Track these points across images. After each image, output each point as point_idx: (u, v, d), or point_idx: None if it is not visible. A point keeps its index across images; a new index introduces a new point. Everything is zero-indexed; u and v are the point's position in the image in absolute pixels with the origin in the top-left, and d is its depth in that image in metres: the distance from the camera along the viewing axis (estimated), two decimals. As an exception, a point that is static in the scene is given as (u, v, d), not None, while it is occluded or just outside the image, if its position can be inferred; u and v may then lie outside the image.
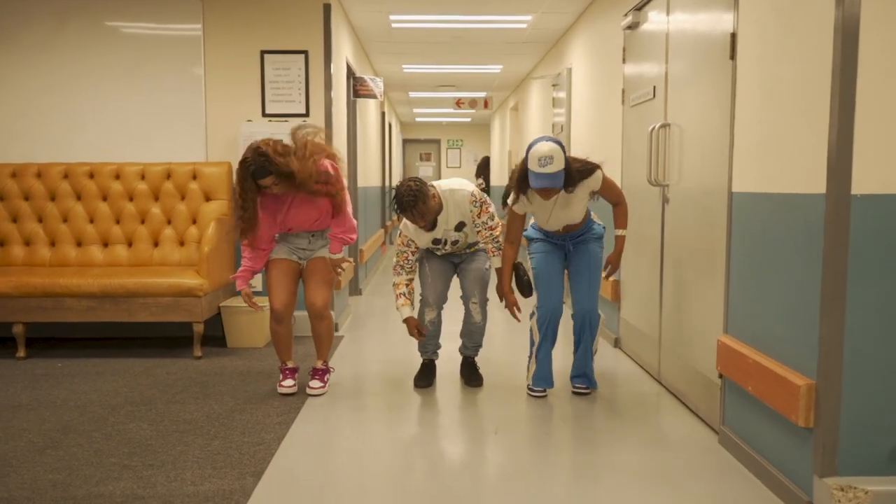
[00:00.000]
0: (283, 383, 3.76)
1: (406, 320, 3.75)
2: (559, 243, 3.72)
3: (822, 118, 2.28)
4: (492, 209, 3.72)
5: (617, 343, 4.77)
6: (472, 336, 3.94)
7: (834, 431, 2.29)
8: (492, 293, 3.82)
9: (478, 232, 3.74)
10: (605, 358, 4.39)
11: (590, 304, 3.67)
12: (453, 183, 3.71)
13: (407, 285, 3.76)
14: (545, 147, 3.32)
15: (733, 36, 2.97)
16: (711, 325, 3.20)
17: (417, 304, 3.88)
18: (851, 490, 2.25)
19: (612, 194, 3.62)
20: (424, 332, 3.81)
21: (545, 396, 3.69)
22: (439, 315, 3.91)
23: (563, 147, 3.37)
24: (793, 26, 2.49)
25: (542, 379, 3.71)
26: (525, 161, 3.39)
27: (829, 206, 2.26)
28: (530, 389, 3.72)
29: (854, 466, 2.30)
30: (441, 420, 3.44)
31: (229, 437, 3.09)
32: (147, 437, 3.09)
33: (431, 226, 3.67)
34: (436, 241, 3.77)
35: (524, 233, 3.79)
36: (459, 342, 4.02)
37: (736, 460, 2.88)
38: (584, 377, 3.77)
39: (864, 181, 2.22)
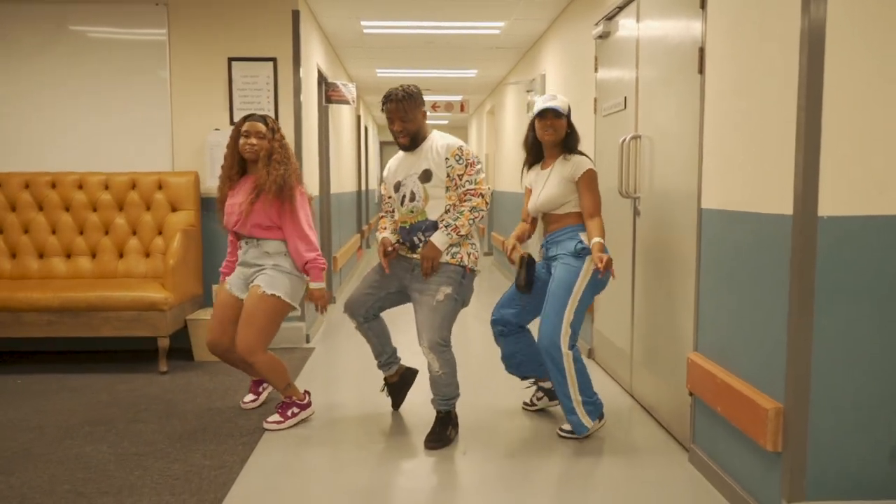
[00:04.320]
0: (244, 399, 3.74)
1: (381, 240, 3.40)
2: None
3: (788, 137, 2.25)
4: (479, 169, 3.26)
5: (591, 354, 4.73)
6: (436, 386, 3.27)
7: (802, 456, 2.26)
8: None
9: (455, 195, 3.25)
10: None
11: (545, 335, 3.19)
12: (447, 136, 3.36)
13: (391, 222, 3.45)
14: (549, 93, 3.66)
15: (701, 50, 2.93)
16: (682, 341, 3.17)
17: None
18: (819, 515, 2.22)
19: (589, 197, 3.26)
20: (389, 253, 3.34)
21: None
22: (363, 326, 3.44)
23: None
24: (759, 41, 2.46)
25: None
26: (532, 119, 3.44)
27: (795, 228, 2.22)
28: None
29: (822, 491, 2.27)
30: (411, 439, 3.36)
31: (190, 459, 3.00)
32: (105, 460, 2.99)
33: (412, 146, 3.30)
34: (398, 187, 3.34)
35: None
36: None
37: (706, 480, 2.84)
38: (567, 421, 3.31)
39: (831, 202, 2.19)
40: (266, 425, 3.39)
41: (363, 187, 11.34)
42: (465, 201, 3.25)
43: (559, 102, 3.36)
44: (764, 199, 2.42)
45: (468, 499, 2.77)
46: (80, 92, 4.91)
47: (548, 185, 3.38)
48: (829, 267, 2.20)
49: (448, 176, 3.25)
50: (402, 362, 3.65)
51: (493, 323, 3.54)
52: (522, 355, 3.56)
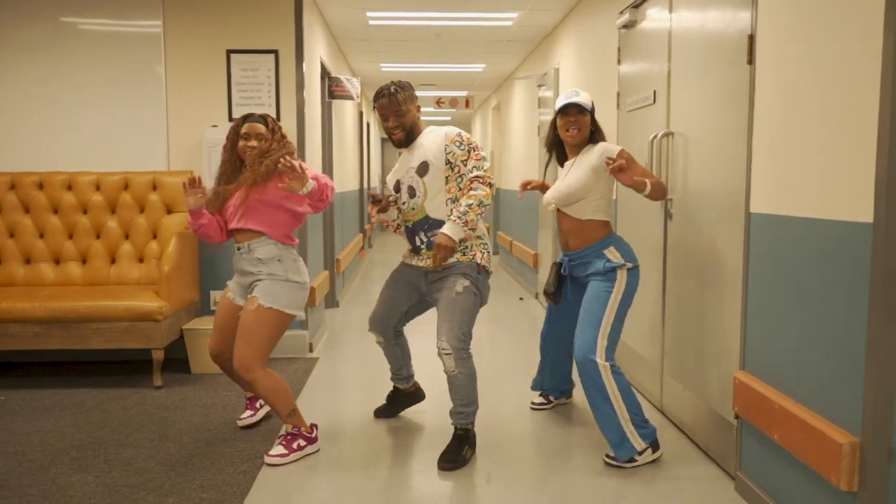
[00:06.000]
0: (240, 416, 3.48)
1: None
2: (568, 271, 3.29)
3: (867, 134, 1.97)
4: (484, 157, 3.08)
5: (612, 364, 4.44)
6: (454, 390, 3.03)
7: (883, 497, 1.98)
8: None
9: (458, 188, 3.07)
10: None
11: (580, 348, 2.99)
12: (443, 126, 3.21)
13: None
14: (572, 89, 3.40)
15: (751, 38, 2.65)
16: (725, 357, 2.89)
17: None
18: (904, 567, 1.94)
19: (639, 166, 3.08)
20: (377, 201, 3.20)
21: None
22: (391, 343, 3.39)
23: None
24: (828, 23, 2.17)
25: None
26: (554, 116, 3.21)
27: (877, 237, 1.94)
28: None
29: (905, 537, 1.99)
30: (425, 464, 3.08)
31: (185, 492, 2.71)
32: (91, 493, 2.70)
33: (406, 141, 3.18)
34: (397, 187, 3.23)
35: None
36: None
37: (757, 514, 2.57)
38: (612, 447, 3.00)
39: (919, 209, 1.90)
40: (268, 460, 2.98)
41: (366, 185, 11.06)
42: (471, 189, 3.04)
43: (583, 98, 3.15)
44: (835, 204, 2.13)
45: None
46: (70, 86, 4.61)
47: (569, 176, 3.18)
48: (917, 282, 1.92)
49: (449, 164, 3.09)
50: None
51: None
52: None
